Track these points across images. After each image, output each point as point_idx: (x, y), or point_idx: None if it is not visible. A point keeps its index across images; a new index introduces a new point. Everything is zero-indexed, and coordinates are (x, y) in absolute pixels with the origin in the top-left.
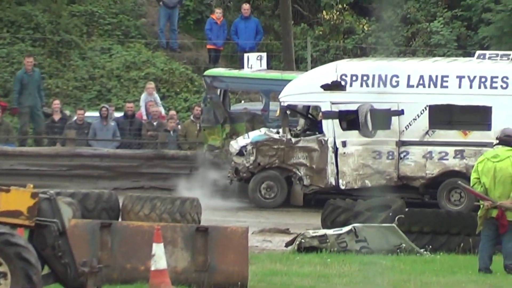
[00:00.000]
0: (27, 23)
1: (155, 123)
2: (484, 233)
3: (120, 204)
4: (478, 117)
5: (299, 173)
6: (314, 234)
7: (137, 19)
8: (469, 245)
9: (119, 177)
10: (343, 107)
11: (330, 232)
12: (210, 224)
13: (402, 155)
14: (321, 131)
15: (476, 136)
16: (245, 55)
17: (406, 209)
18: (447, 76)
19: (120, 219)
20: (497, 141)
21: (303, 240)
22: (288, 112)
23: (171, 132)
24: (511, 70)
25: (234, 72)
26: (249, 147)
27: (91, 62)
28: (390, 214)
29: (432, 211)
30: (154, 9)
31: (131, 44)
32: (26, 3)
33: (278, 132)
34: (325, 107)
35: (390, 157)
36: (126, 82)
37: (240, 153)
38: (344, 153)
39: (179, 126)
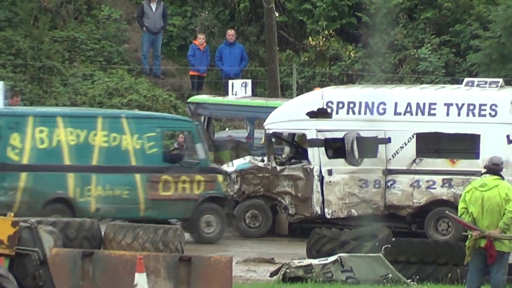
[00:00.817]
0: (8, 48)
1: None
2: (472, 264)
3: (102, 233)
4: (466, 145)
5: (284, 202)
6: (299, 264)
7: (120, 45)
8: (457, 276)
9: None
10: (329, 135)
11: (315, 262)
12: (193, 254)
13: (389, 184)
14: (306, 159)
15: (464, 164)
16: (230, 81)
17: (393, 239)
18: (435, 104)
19: (102, 248)
20: (485, 170)
21: (288, 270)
22: (273, 140)
23: None
24: (499, 97)
25: (218, 99)
26: (233, 175)
27: (73, 89)
28: (377, 243)
29: (419, 241)
30: (137, 35)
31: (114, 71)
32: (7, 28)
33: (263, 160)
34: (310, 135)
35: (377, 186)
36: (108, 109)
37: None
38: (330, 181)
39: None
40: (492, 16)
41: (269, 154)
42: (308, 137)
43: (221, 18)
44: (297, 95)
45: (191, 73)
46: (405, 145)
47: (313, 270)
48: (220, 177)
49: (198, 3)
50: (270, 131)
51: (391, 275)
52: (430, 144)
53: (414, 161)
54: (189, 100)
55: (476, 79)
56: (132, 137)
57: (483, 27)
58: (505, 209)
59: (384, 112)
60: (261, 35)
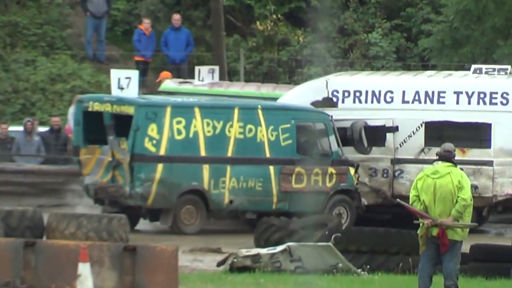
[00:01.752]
0: None
1: None
2: (424, 253)
3: (45, 222)
4: (477, 134)
5: None
6: (247, 254)
7: (63, 30)
8: (409, 265)
9: (44, 194)
10: (335, 124)
11: (263, 251)
12: (138, 243)
13: (396, 173)
14: None
15: (475, 154)
16: (196, 68)
17: (343, 228)
18: (444, 92)
19: (44, 238)
20: (437, 157)
21: (235, 260)
22: None
23: None
24: (511, 85)
25: (192, 88)
26: None
27: (15, 75)
28: (326, 232)
29: (369, 230)
30: (81, 20)
31: (57, 56)
32: None
33: None
34: None
35: (385, 175)
36: (51, 95)
37: None
38: None
39: None
40: (444, 0)
41: None
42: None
43: (167, 3)
44: (245, 80)
45: (136, 58)
46: (413, 134)
47: (261, 260)
48: (351, 170)
49: None
50: None
51: (341, 265)
52: (439, 133)
53: (422, 150)
54: (160, 88)
55: (484, 66)
56: (268, 129)
57: (435, 11)
58: (458, 197)
59: (392, 101)
60: (207, 19)
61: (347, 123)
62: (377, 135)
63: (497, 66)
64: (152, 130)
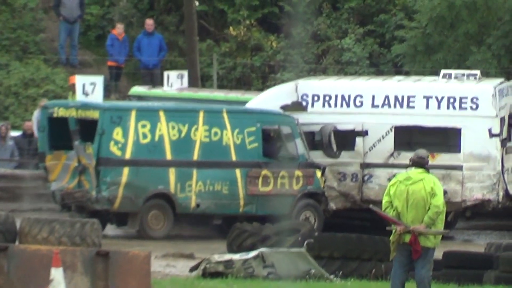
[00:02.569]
0: None
1: None
2: (397, 259)
3: (17, 227)
4: (447, 138)
5: None
6: (220, 259)
7: (36, 34)
8: (381, 271)
9: (17, 198)
10: (305, 128)
11: (236, 257)
12: (111, 248)
13: (366, 178)
14: None
15: (444, 158)
16: (165, 72)
17: (316, 234)
18: (414, 96)
19: (17, 243)
20: (410, 163)
21: (208, 265)
22: None
23: None
24: (481, 90)
25: (161, 92)
26: None
27: None
28: (299, 238)
29: (342, 236)
30: (54, 24)
31: (30, 60)
32: None
33: None
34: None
35: (354, 180)
36: (24, 99)
37: None
38: None
39: None
40: (417, 6)
41: None
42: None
43: (140, 8)
44: (218, 86)
45: (109, 63)
46: (383, 138)
47: (233, 266)
48: (318, 172)
49: None
50: None
51: (313, 271)
52: (409, 138)
53: (392, 154)
54: (130, 92)
55: (453, 71)
56: (233, 132)
57: (408, 18)
58: (430, 204)
59: (362, 105)
60: (180, 24)
61: (317, 127)
62: (346, 139)
63: (466, 71)
64: (117, 133)
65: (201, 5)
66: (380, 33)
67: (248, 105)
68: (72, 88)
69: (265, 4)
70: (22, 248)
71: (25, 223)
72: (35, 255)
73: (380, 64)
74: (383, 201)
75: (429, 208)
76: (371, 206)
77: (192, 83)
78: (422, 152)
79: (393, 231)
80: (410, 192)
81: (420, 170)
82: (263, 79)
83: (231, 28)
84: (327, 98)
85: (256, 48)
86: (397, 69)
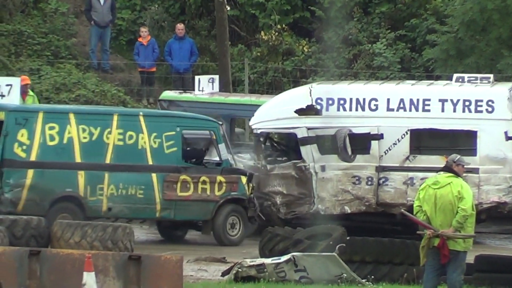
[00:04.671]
0: None
1: None
2: (429, 263)
3: (50, 231)
4: (462, 142)
5: (275, 201)
6: (252, 263)
7: (68, 39)
8: (413, 276)
9: None
10: (320, 132)
11: (268, 261)
12: (143, 253)
13: (381, 181)
14: (299, 157)
15: None
16: (196, 77)
17: (348, 238)
18: (429, 100)
19: (49, 247)
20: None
21: (240, 270)
22: (261, 139)
23: None
24: (496, 93)
25: (192, 96)
26: None
27: None
28: (331, 242)
29: (374, 240)
30: (85, 29)
31: (61, 65)
32: None
33: (251, 159)
34: (301, 133)
35: (370, 183)
36: (56, 104)
37: None
38: (323, 178)
39: None
40: (449, 10)
41: (258, 153)
42: (299, 135)
43: (171, 12)
44: (249, 91)
45: (139, 69)
46: (398, 141)
47: (265, 270)
48: (243, 179)
49: None
50: (258, 131)
51: (345, 275)
52: (424, 141)
53: (407, 158)
54: (161, 97)
55: (466, 75)
56: (150, 136)
57: (440, 22)
58: (458, 207)
59: (377, 108)
60: (212, 29)
61: (331, 131)
62: (361, 142)
63: (479, 75)
64: (22, 135)
65: (233, 9)
66: (411, 37)
67: (262, 109)
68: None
69: (297, 9)
70: (55, 252)
71: (58, 227)
72: (68, 259)
73: (411, 69)
74: (414, 205)
75: (457, 212)
76: (402, 210)
77: (224, 88)
78: (453, 157)
79: (424, 235)
80: (438, 196)
81: (448, 174)
82: (294, 84)
83: (262, 33)
84: (341, 101)
85: (287, 53)
86: (429, 74)
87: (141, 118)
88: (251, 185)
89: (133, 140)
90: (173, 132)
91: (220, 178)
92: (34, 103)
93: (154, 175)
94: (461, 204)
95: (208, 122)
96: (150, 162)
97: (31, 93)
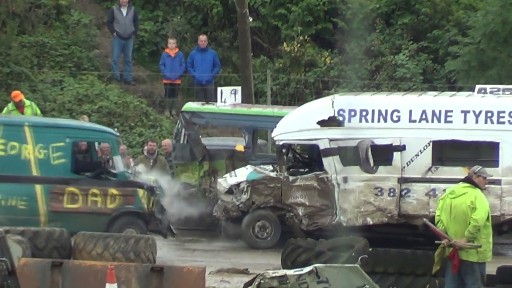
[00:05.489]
0: None
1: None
2: (449, 274)
3: (72, 243)
4: (484, 153)
5: (297, 212)
6: (274, 275)
7: (90, 51)
8: (435, 287)
9: None
10: (342, 144)
11: (290, 272)
12: (165, 264)
13: (403, 192)
14: (321, 168)
15: None
16: (219, 89)
17: (370, 249)
18: (451, 111)
19: (71, 258)
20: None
21: (262, 281)
22: (283, 150)
23: None
24: None
25: (214, 108)
26: (243, 185)
27: (42, 95)
28: (353, 254)
29: (396, 251)
30: (108, 40)
31: (84, 76)
32: None
33: (273, 170)
34: (323, 145)
35: (392, 194)
36: (78, 116)
37: (229, 191)
38: (345, 189)
39: (132, 161)
40: (471, 22)
41: (280, 165)
42: (321, 147)
43: (194, 23)
44: (271, 102)
45: (164, 81)
46: (420, 153)
47: (288, 281)
48: (140, 192)
49: (170, 8)
50: (281, 142)
51: (368, 286)
52: (446, 152)
53: (429, 169)
54: (184, 108)
55: (488, 86)
56: (35, 147)
57: (462, 33)
58: (471, 218)
59: (399, 120)
60: (234, 40)
61: (354, 142)
62: (383, 154)
63: (501, 86)
64: None
65: (255, 21)
66: (433, 49)
67: (284, 121)
68: (18, 105)
69: (319, 20)
70: (77, 263)
71: (80, 239)
72: (90, 270)
73: (433, 80)
74: (435, 215)
75: (469, 222)
76: (424, 220)
77: (246, 99)
78: (473, 168)
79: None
80: (453, 206)
81: (466, 184)
82: (316, 95)
83: (284, 44)
84: (363, 113)
85: (309, 64)
86: (451, 85)
87: (27, 129)
88: (152, 198)
89: (16, 150)
90: (62, 143)
91: (113, 190)
92: (34, 111)
93: (38, 187)
94: (473, 214)
95: (103, 133)
96: (35, 173)
97: (27, 103)
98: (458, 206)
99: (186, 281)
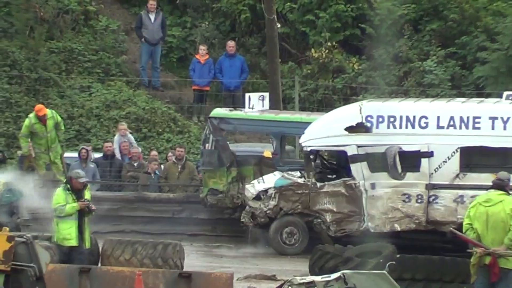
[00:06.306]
0: (3, 59)
1: (135, 164)
2: (479, 281)
3: (100, 249)
4: None
5: (324, 219)
6: (302, 281)
7: (118, 56)
8: None
9: (99, 220)
10: (370, 150)
11: (318, 279)
12: (193, 270)
13: (431, 199)
14: (349, 175)
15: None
16: (247, 95)
17: (398, 255)
18: (479, 117)
19: (99, 264)
20: (492, 185)
21: (290, 287)
22: (311, 156)
23: (152, 174)
24: None
25: (242, 114)
26: (271, 192)
27: (70, 101)
28: (381, 260)
29: (424, 258)
30: (136, 46)
31: (112, 82)
32: (2, 39)
33: (301, 176)
34: (351, 151)
35: (420, 201)
36: (106, 121)
37: (257, 197)
38: (373, 195)
39: (162, 167)
40: (499, 28)
41: (308, 171)
42: (349, 153)
43: (222, 29)
44: (299, 108)
45: (193, 87)
46: (448, 159)
47: (315, 287)
48: None
49: (198, 14)
50: (308, 148)
51: None
52: (474, 159)
53: (457, 175)
54: (212, 114)
55: None
56: None
57: (490, 39)
58: (510, 225)
59: (427, 126)
60: (262, 46)
61: (381, 148)
62: (411, 160)
63: None
64: None
65: (283, 27)
66: (462, 55)
67: (312, 127)
68: (41, 119)
69: (347, 26)
70: (105, 269)
71: (108, 245)
72: (118, 276)
73: (462, 86)
74: (464, 223)
75: (509, 229)
76: (451, 228)
77: (274, 105)
78: (502, 174)
79: (474, 253)
80: (489, 214)
81: (500, 192)
82: (344, 101)
83: (312, 50)
84: (391, 119)
85: (337, 70)
86: (479, 91)
87: None
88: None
89: None
90: None
91: None
92: (55, 121)
93: None
94: None
95: None
96: None
97: (49, 114)
98: (496, 214)
99: (214, 287)
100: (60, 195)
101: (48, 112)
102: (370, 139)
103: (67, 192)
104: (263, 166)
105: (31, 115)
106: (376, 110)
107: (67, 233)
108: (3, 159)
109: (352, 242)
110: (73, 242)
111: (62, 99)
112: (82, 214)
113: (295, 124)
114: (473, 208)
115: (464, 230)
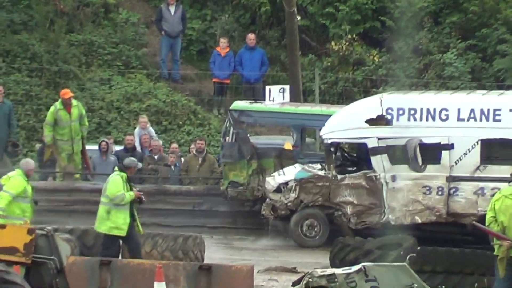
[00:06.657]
0: (23, 52)
1: (156, 157)
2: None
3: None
4: None
5: (345, 211)
6: (322, 273)
7: (138, 49)
8: (484, 285)
9: None
10: (390, 142)
11: (339, 271)
12: (213, 263)
13: (452, 191)
14: (369, 167)
15: None
16: (267, 87)
17: (418, 248)
18: (500, 110)
19: (120, 257)
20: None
21: (310, 280)
22: (332, 149)
23: (172, 167)
24: None
25: (262, 106)
26: (291, 184)
27: (90, 94)
28: (402, 252)
29: (445, 250)
30: (156, 39)
31: (132, 75)
32: (23, 32)
33: (322, 169)
34: (371, 143)
35: (440, 193)
36: (126, 114)
37: (278, 190)
38: (394, 188)
39: (182, 159)
40: None
41: (328, 164)
42: (369, 145)
43: (242, 22)
44: (320, 101)
45: (214, 80)
46: (469, 151)
47: (336, 280)
48: None
49: (218, 7)
50: (329, 141)
51: (416, 285)
52: (495, 151)
53: (478, 168)
54: (232, 107)
55: None
56: None
57: (511, 32)
58: None
59: (447, 118)
60: (282, 39)
61: (402, 141)
62: (432, 152)
63: None
64: None
65: (303, 19)
66: (482, 47)
67: (332, 119)
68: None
69: (367, 19)
70: (125, 262)
71: None
72: (138, 269)
73: (482, 79)
74: (487, 217)
75: None
76: (474, 222)
77: (294, 98)
78: None
79: (496, 246)
80: None
81: None
82: (365, 94)
83: (333, 43)
84: (412, 111)
85: (358, 63)
86: (500, 83)
87: None
88: None
89: None
90: None
91: None
92: (80, 112)
93: None
94: None
95: None
96: None
97: (74, 103)
98: None
99: (235, 279)
100: (119, 183)
101: (74, 101)
102: (390, 131)
103: (123, 180)
104: (283, 158)
105: (58, 102)
106: (397, 103)
107: (123, 222)
108: (15, 149)
109: (372, 234)
110: (123, 233)
111: (82, 91)
112: (131, 203)
113: (316, 116)
114: (498, 201)
115: (487, 223)
